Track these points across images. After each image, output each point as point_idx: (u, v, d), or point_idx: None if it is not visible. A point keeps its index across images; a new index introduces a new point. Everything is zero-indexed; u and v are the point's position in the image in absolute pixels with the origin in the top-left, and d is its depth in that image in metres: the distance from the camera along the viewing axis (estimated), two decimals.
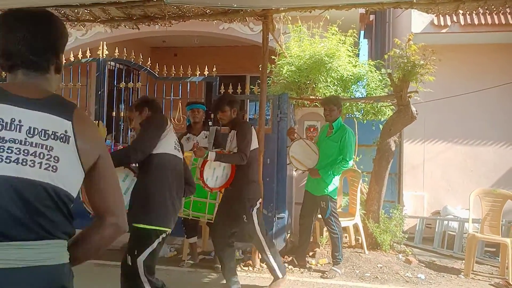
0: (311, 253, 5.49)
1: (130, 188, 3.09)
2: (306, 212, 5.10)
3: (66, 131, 1.29)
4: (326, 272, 4.79)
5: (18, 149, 1.22)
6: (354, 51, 6.90)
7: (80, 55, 6.26)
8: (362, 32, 14.04)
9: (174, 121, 6.00)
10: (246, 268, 4.92)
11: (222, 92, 5.79)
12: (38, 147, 1.24)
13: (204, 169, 3.89)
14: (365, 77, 6.77)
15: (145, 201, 2.93)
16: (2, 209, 1.18)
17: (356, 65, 6.85)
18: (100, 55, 6.10)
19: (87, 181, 1.36)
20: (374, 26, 13.69)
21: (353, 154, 4.90)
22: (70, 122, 1.30)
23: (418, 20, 7.02)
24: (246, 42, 9.00)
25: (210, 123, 5.89)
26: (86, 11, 5.15)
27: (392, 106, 6.58)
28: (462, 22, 6.92)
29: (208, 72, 5.85)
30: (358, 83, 6.93)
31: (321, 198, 4.90)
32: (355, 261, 5.33)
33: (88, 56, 6.31)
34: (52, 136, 1.26)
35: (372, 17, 13.48)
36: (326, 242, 5.88)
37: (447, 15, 6.61)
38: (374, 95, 6.61)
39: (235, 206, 4.01)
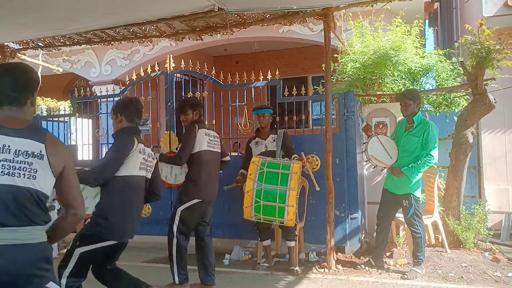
0: (388, 254, 5.31)
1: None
2: (384, 211, 4.90)
3: (40, 151, 1.90)
4: (406, 273, 4.60)
5: (9, 166, 1.82)
6: (420, 42, 6.62)
7: (149, 70, 6.56)
8: (426, 21, 13.44)
9: (241, 126, 6.09)
10: (321, 270, 4.86)
11: (286, 95, 5.79)
12: (22, 163, 1.85)
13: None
14: (434, 68, 6.46)
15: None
16: (2, 207, 1.79)
17: (424, 56, 6.57)
18: (168, 68, 6.34)
19: (56, 183, 1.97)
20: (439, 14, 13.05)
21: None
22: (44, 144, 1.91)
23: (490, 3, 6.58)
24: (306, 43, 8.96)
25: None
26: (152, 27, 5.42)
27: (467, 96, 6.22)
28: None
29: (271, 76, 5.89)
30: (427, 74, 6.63)
31: (404, 196, 4.67)
32: (437, 260, 5.09)
33: (157, 70, 6.60)
34: (32, 155, 1.87)
35: (436, 4, 12.86)
36: (403, 241, 5.67)
37: None
38: (445, 86, 6.29)
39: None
